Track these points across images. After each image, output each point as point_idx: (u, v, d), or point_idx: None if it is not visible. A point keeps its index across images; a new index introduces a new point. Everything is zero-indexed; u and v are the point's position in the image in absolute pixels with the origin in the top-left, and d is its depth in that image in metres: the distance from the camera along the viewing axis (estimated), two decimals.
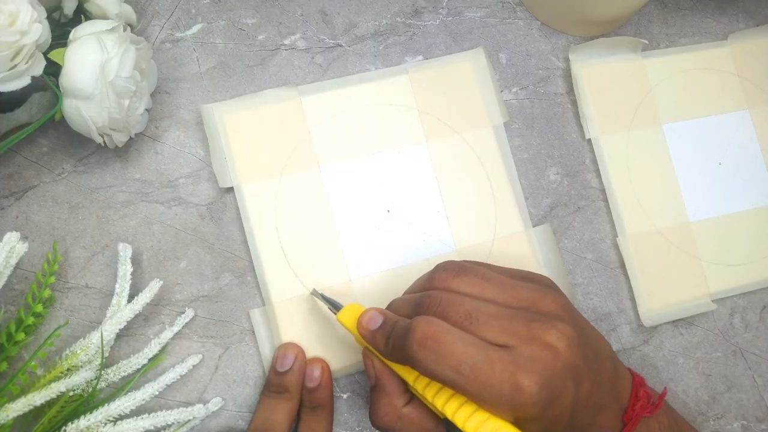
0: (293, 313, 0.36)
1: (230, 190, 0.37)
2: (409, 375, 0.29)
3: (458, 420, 0.27)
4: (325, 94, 0.38)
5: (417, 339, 0.26)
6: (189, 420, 0.34)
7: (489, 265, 0.32)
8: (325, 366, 0.35)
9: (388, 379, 0.30)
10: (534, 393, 0.26)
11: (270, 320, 0.36)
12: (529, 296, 0.29)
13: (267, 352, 0.36)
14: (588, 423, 0.29)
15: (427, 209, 0.38)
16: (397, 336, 0.28)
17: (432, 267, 0.32)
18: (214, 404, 0.35)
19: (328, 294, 0.35)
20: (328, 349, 0.36)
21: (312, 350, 0.36)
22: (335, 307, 0.33)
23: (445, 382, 0.26)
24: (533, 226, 0.39)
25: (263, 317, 0.36)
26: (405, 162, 0.38)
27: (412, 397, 0.30)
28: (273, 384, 0.34)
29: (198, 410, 0.33)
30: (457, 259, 0.35)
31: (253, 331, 0.36)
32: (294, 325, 0.36)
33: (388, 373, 0.30)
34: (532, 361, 0.26)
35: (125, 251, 0.34)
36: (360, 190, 0.38)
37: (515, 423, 0.26)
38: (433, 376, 0.26)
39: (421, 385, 0.29)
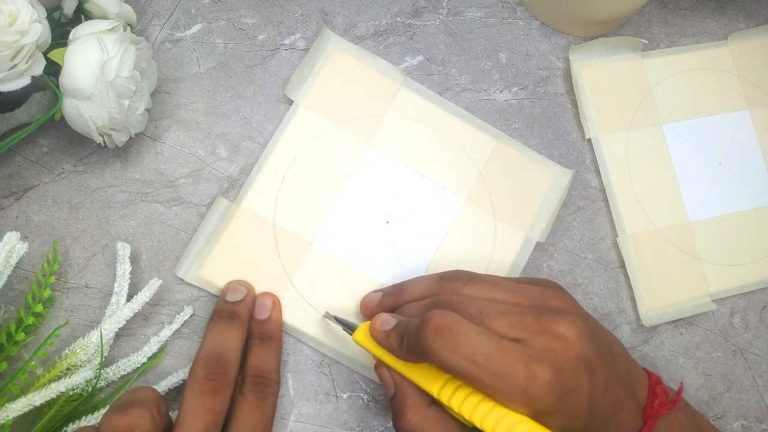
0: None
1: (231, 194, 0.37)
2: (432, 386, 0.29)
3: (476, 418, 0.27)
4: (257, 184, 0.37)
5: (432, 328, 0.27)
6: None
7: (496, 276, 0.33)
8: (276, 300, 0.35)
9: (408, 384, 0.30)
10: (548, 381, 0.26)
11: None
12: (538, 296, 0.30)
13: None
14: (607, 419, 0.29)
15: (419, 197, 0.38)
16: (412, 330, 0.28)
17: (452, 243, 0.35)
18: None
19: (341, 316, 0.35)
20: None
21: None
22: (350, 328, 0.33)
23: (459, 372, 0.26)
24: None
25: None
26: (367, 172, 0.38)
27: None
28: (223, 310, 0.34)
29: None
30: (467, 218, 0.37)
31: None
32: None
33: (408, 380, 0.30)
34: (544, 351, 0.27)
35: (124, 250, 0.34)
36: (358, 206, 0.37)
37: (534, 417, 0.26)
38: (448, 366, 0.26)
39: (446, 395, 0.28)
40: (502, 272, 0.38)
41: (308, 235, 0.37)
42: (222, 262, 0.36)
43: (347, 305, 0.36)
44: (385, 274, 0.37)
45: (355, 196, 0.37)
